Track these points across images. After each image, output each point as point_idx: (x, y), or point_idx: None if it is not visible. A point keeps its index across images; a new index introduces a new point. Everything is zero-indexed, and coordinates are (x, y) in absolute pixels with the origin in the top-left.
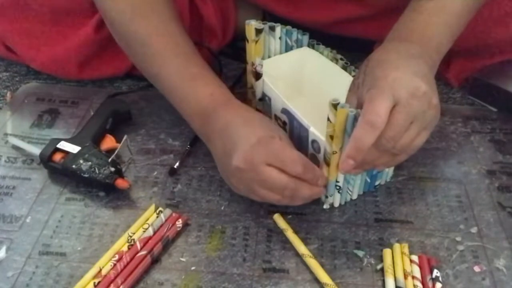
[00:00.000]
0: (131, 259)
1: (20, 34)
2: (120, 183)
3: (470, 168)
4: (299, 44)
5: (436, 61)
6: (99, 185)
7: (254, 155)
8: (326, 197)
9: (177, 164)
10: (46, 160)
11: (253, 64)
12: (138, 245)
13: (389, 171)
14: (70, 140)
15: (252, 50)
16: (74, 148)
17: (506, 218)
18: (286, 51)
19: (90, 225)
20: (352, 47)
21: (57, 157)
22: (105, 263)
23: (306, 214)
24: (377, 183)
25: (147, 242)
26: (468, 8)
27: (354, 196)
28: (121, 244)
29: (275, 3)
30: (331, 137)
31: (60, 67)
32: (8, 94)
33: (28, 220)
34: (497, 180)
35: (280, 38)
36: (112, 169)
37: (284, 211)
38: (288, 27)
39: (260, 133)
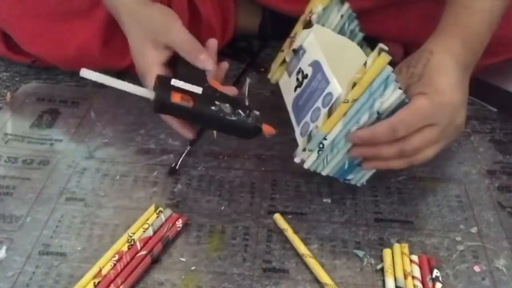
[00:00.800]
0: (131, 259)
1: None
2: (267, 128)
3: (470, 168)
4: (352, 36)
5: (473, 66)
6: (243, 131)
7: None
8: (304, 150)
9: (177, 164)
10: (167, 102)
11: (311, 11)
12: (138, 245)
13: (365, 176)
14: (181, 79)
15: None
16: (195, 88)
17: (506, 218)
18: (340, 33)
19: (90, 225)
20: None
21: (176, 97)
22: (105, 263)
23: (306, 214)
24: (349, 177)
25: (147, 242)
26: (501, 13)
27: (325, 172)
28: (121, 244)
29: None
30: (354, 84)
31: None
32: (8, 94)
33: (28, 220)
34: (497, 180)
35: (342, 16)
36: (257, 113)
37: (284, 211)
38: (354, 13)
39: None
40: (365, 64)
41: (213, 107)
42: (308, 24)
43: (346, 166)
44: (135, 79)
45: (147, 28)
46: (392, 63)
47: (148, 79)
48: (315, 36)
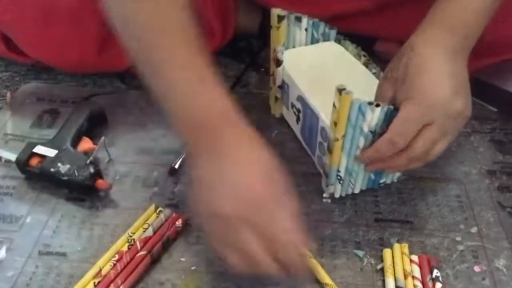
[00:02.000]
0: (131, 259)
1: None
2: (100, 184)
3: (470, 168)
4: (326, 38)
5: (470, 48)
6: (79, 187)
7: (241, 215)
8: (327, 186)
9: (177, 164)
10: (22, 165)
11: (274, 50)
12: (138, 245)
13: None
14: (47, 144)
15: (275, 36)
16: (51, 152)
17: (506, 218)
18: (312, 43)
19: (90, 225)
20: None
21: (34, 161)
22: (105, 263)
23: (306, 214)
24: (382, 181)
25: (147, 242)
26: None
27: (356, 190)
28: (121, 244)
29: None
30: (335, 123)
31: (67, 57)
32: (8, 94)
33: (28, 220)
34: (497, 180)
35: (306, 29)
36: (92, 170)
37: None
38: (316, 19)
39: (257, 182)
40: (334, 105)
41: (52, 169)
42: (278, 62)
43: (373, 177)
44: (135, 79)
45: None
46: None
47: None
48: (290, 67)
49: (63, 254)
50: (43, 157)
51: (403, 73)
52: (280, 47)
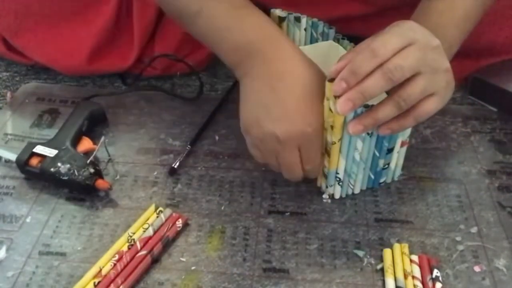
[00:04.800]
0: (131, 259)
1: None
2: (101, 183)
3: (470, 168)
4: (324, 37)
5: (452, 53)
6: (79, 187)
7: (292, 132)
8: (327, 187)
9: (177, 163)
10: (23, 165)
11: None
12: (138, 245)
13: (396, 169)
14: (47, 144)
15: None
16: (51, 152)
17: (506, 218)
18: (311, 43)
19: (90, 225)
20: None
21: (34, 161)
22: (105, 263)
23: (306, 214)
24: (382, 180)
25: (147, 242)
26: (477, 9)
27: (356, 190)
28: (121, 244)
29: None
30: (331, 127)
31: (69, 59)
32: (8, 94)
33: (28, 220)
34: (497, 180)
35: (305, 29)
36: (92, 170)
37: (284, 211)
38: (315, 19)
39: (305, 106)
40: (330, 109)
41: (52, 169)
42: None
43: (372, 176)
44: (136, 79)
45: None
46: None
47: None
48: None
49: (63, 254)
50: (43, 157)
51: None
52: None
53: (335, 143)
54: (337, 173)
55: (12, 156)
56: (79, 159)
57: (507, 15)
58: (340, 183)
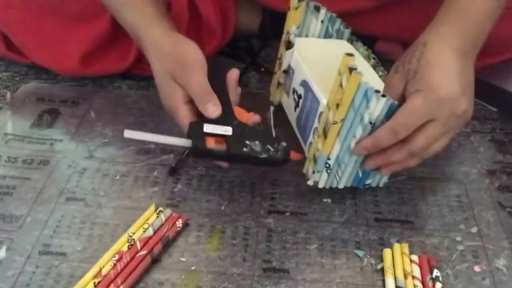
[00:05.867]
0: (131, 259)
1: (25, 26)
2: (294, 155)
3: (470, 168)
4: (339, 35)
5: (478, 49)
6: (274, 164)
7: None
8: (313, 172)
9: (177, 163)
10: (205, 149)
11: (288, 32)
12: (138, 245)
13: (384, 177)
14: (211, 121)
15: (291, 18)
16: (225, 129)
17: (506, 218)
18: (326, 37)
19: (90, 225)
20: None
21: (211, 142)
22: (105, 263)
23: (306, 214)
24: (367, 182)
25: (147, 242)
26: (496, 7)
27: (341, 185)
28: (121, 244)
29: None
30: (337, 105)
31: (61, 62)
32: (8, 94)
33: (28, 220)
34: (497, 180)
35: (322, 22)
36: (284, 144)
37: (284, 211)
38: (333, 14)
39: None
40: (341, 84)
41: (245, 149)
42: (289, 45)
43: (360, 174)
44: (136, 79)
45: (168, 65)
46: (392, 63)
47: (178, 117)
48: (299, 53)
49: (63, 254)
50: (219, 136)
51: (415, 66)
52: (294, 29)
53: (336, 123)
54: (328, 158)
55: (187, 143)
56: (262, 134)
57: (507, 15)
58: (328, 171)
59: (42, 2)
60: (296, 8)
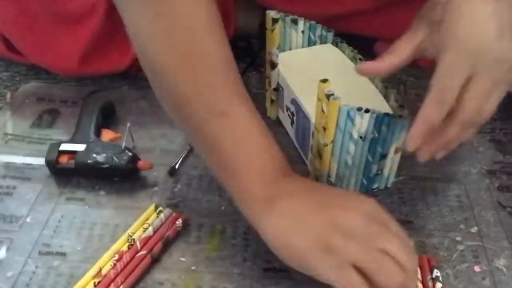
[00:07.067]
0: (131, 259)
1: (23, 28)
2: (143, 164)
3: (470, 168)
4: (323, 40)
5: None
6: (121, 172)
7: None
8: None
9: (177, 163)
10: (54, 164)
11: (269, 53)
12: (138, 245)
13: (390, 176)
14: (70, 141)
15: (269, 39)
16: (79, 147)
17: (506, 218)
18: (309, 45)
19: (90, 225)
20: (352, 45)
21: (64, 159)
22: (105, 263)
23: None
24: (374, 186)
25: (147, 242)
26: None
27: None
28: (121, 244)
29: None
30: (324, 128)
31: (60, 62)
32: (8, 94)
33: (28, 220)
34: (497, 180)
35: (302, 32)
36: (130, 154)
37: None
38: (312, 22)
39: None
40: (322, 110)
41: (89, 161)
42: (273, 65)
43: (365, 182)
44: (135, 79)
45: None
46: None
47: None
48: (285, 71)
49: (63, 254)
50: (72, 153)
51: (440, 14)
52: (274, 50)
53: (327, 145)
54: (328, 176)
55: (39, 160)
56: (112, 147)
57: None
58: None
59: (36, 3)
60: (272, 31)
